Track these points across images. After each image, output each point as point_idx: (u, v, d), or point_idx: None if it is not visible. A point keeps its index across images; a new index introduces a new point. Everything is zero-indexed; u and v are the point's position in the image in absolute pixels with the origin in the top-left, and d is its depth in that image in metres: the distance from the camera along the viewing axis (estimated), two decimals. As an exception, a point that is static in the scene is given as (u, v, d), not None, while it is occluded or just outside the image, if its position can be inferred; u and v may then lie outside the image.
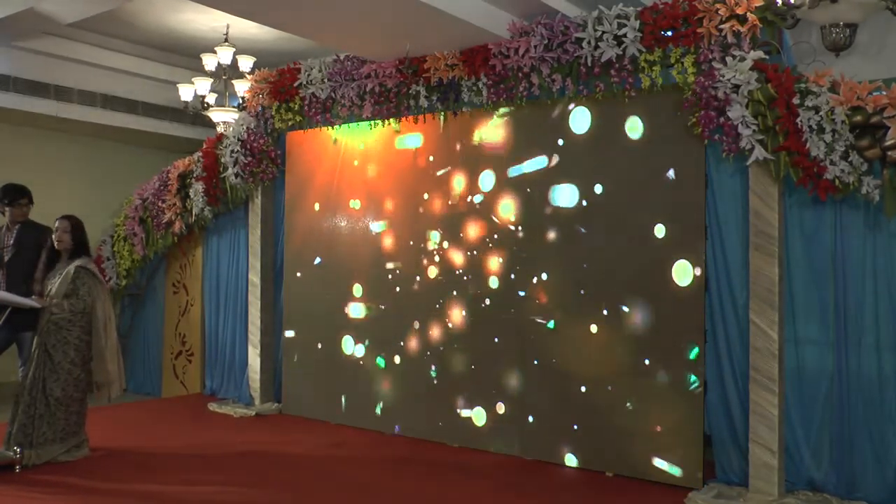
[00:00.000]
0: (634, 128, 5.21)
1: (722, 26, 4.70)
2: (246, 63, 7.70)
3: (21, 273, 6.07)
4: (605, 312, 5.30)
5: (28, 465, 5.18)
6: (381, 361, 6.49)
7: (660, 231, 5.10)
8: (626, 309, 5.22)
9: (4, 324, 5.32)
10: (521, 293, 5.70)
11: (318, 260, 6.97)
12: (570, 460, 5.44)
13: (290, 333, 7.12)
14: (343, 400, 6.72)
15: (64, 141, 9.23)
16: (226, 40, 7.60)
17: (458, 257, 6.06)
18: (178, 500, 4.69)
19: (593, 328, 5.36)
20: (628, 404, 5.19)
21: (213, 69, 7.73)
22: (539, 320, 5.61)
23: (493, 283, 5.86)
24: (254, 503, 4.67)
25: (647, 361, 5.13)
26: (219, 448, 5.88)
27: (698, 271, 4.95)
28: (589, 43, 5.15)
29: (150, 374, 8.47)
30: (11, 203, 6.23)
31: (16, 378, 5.76)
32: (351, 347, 6.68)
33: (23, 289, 5.74)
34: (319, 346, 6.90)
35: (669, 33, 4.89)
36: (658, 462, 5.07)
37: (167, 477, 5.12)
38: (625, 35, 5.00)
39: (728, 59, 4.65)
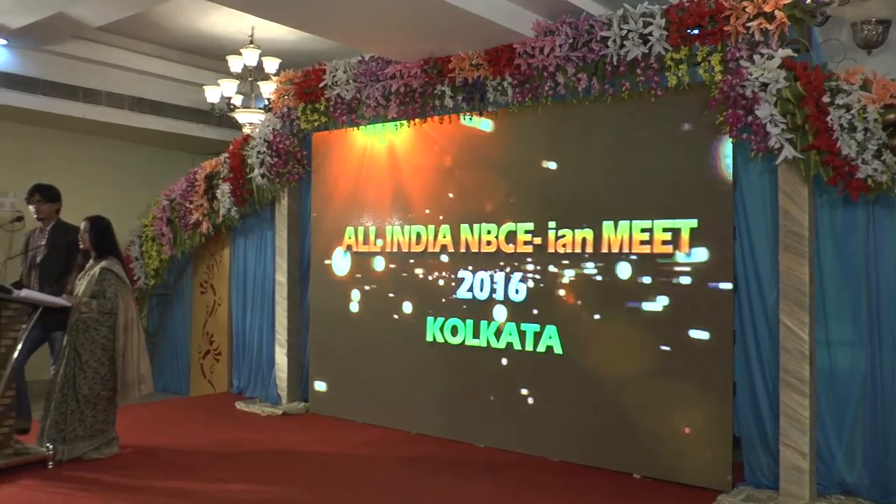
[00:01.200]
0: (663, 126, 5.20)
1: (749, 24, 4.67)
2: (271, 65, 7.78)
3: (52, 273, 6.20)
4: (632, 311, 5.29)
5: (60, 460, 5.29)
6: (407, 360, 6.52)
7: (682, 230, 5.09)
8: (654, 308, 5.20)
9: (37, 323, 5.41)
10: (548, 290, 5.71)
11: (345, 259, 7.03)
12: (598, 461, 5.43)
13: (315, 344, 7.16)
14: (370, 399, 6.76)
15: (92, 143, 9.39)
16: (251, 42, 7.69)
17: (484, 257, 6.08)
18: (206, 497, 4.75)
19: (620, 327, 5.34)
20: (656, 405, 5.17)
21: (239, 71, 7.82)
22: (566, 317, 5.61)
23: (516, 282, 5.86)
24: (281, 501, 4.71)
25: (674, 361, 5.10)
26: (246, 446, 5.94)
27: (726, 271, 4.93)
28: (614, 42, 5.14)
29: (178, 373, 8.58)
30: (27, 201, 6.40)
31: (48, 376, 5.86)
32: (378, 347, 6.72)
33: (54, 288, 5.86)
34: (347, 345, 6.94)
35: (696, 31, 4.86)
36: (686, 464, 5.05)
37: (195, 475, 5.19)
38: (650, 33, 4.98)
39: (756, 57, 4.62)
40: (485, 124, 6.09)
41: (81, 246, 5.73)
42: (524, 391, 5.81)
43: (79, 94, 8.42)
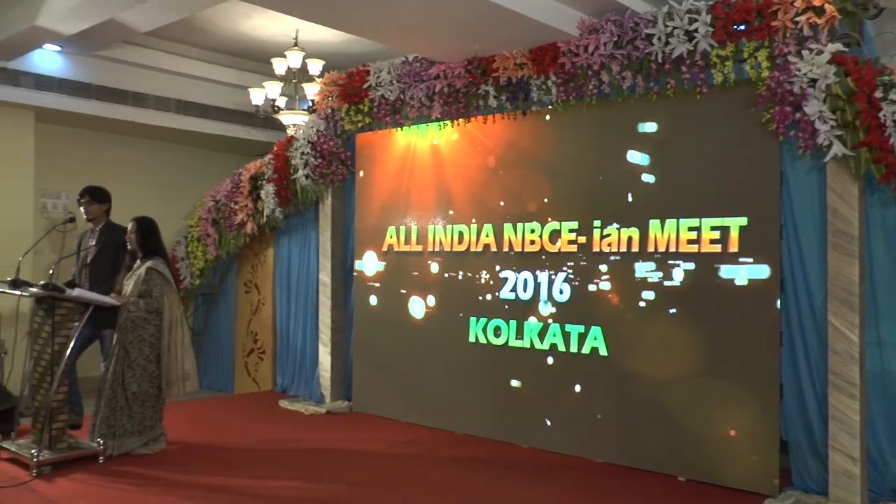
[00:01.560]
0: (711, 124, 5.15)
1: (798, 19, 4.59)
2: (315, 66, 7.85)
3: (102, 273, 6.35)
4: (677, 312, 5.24)
5: (111, 455, 5.42)
6: (450, 360, 6.54)
7: (728, 228, 5.03)
8: (699, 308, 5.15)
9: (88, 321, 5.53)
10: (591, 290, 5.68)
11: (386, 261, 7.08)
12: (642, 463, 5.39)
13: (359, 343, 7.22)
14: (414, 398, 6.79)
15: (141, 145, 9.58)
16: (295, 44, 7.77)
17: (527, 258, 6.07)
18: (250, 494, 4.81)
19: (665, 328, 5.30)
20: (701, 407, 5.12)
21: (284, 73, 7.91)
22: (609, 317, 5.58)
23: (560, 281, 5.85)
24: (324, 499, 4.75)
25: (719, 363, 5.04)
26: (290, 444, 6.01)
27: (772, 271, 4.85)
28: (659, 39, 5.10)
29: (223, 371, 8.72)
30: (77, 202, 6.60)
31: (98, 372, 6.00)
32: (422, 346, 6.75)
33: (104, 287, 5.99)
34: (390, 344, 6.99)
35: (742, 27, 4.80)
36: (732, 467, 4.98)
37: (240, 471, 5.27)
38: (696, 30, 4.94)
39: (804, 52, 4.55)
40: (529, 123, 6.08)
41: (129, 246, 5.86)
42: (568, 392, 5.79)
43: (128, 97, 8.61)
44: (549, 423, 5.89)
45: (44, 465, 5.08)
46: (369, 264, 7.22)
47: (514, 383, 6.10)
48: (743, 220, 4.96)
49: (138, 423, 5.59)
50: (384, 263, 7.10)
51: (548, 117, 5.95)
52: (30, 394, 5.53)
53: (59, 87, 8.05)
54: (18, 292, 5.46)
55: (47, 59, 7.94)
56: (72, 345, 5.42)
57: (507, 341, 6.16)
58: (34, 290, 5.38)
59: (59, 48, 7.87)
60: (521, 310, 6.08)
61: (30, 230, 8.05)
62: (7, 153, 8.01)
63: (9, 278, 5.61)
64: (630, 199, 5.50)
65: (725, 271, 5.04)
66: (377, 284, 7.14)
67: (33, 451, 5.11)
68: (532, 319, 6.00)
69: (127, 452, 5.51)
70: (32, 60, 7.81)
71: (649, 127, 5.41)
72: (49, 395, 5.24)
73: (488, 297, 6.29)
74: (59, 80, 8.04)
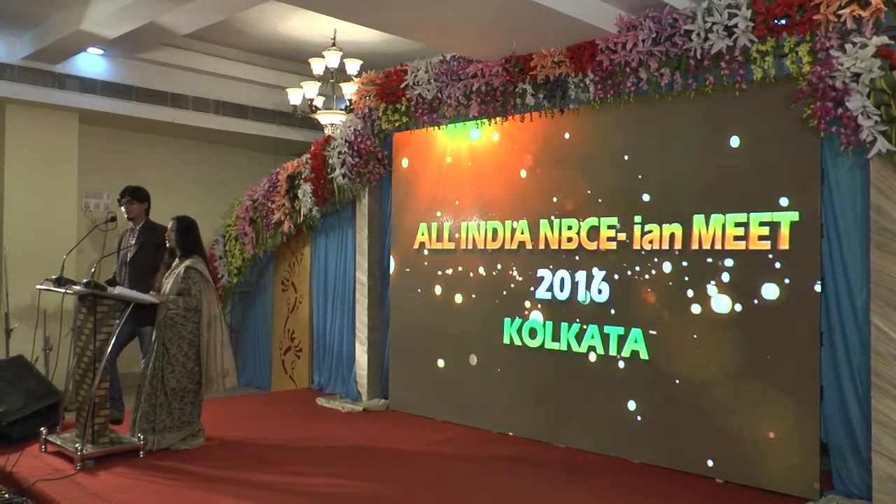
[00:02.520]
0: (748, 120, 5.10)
1: (841, 12, 4.52)
2: (353, 66, 7.92)
3: (142, 271, 6.49)
4: (714, 311, 5.21)
5: (151, 450, 5.53)
6: (486, 359, 6.56)
7: (765, 229, 4.98)
8: (737, 308, 5.10)
9: (128, 319, 5.64)
10: (629, 291, 5.66)
11: (423, 259, 7.12)
12: (680, 465, 5.36)
13: (395, 342, 7.28)
14: (450, 397, 6.83)
15: (180, 145, 9.77)
16: (333, 44, 7.84)
17: (564, 256, 6.07)
18: (287, 490, 4.88)
19: (701, 327, 5.26)
20: (739, 408, 5.08)
21: (321, 73, 7.99)
22: (648, 317, 5.56)
23: (599, 280, 5.83)
24: (360, 496, 4.80)
25: (758, 364, 5.00)
26: (327, 441, 6.07)
27: (812, 272, 4.80)
28: (698, 35, 5.07)
29: (261, 368, 8.85)
30: (118, 202, 6.77)
31: (138, 369, 6.12)
32: (459, 345, 6.79)
33: (143, 285, 6.12)
34: (426, 343, 7.03)
35: (783, 21, 4.75)
36: (771, 470, 4.93)
37: (277, 468, 5.34)
38: (735, 25, 4.90)
39: (847, 46, 4.47)
40: (568, 121, 6.08)
41: (168, 245, 5.98)
42: (605, 393, 5.77)
43: (168, 99, 8.79)
44: (585, 422, 5.89)
45: (87, 458, 5.21)
46: (404, 262, 7.27)
47: (551, 383, 6.11)
48: (790, 217, 4.90)
49: (177, 418, 5.70)
50: (418, 261, 7.14)
51: (585, 115, 5.94)
52: (73, 389, 5.68)
53: (102, 90, 8.25)
54: (62, 290, 5.60)
55: (91, 63, 8.15)
56: (113, 341, 5.54)
57: (542, 343, 6.16)
58: (77, 287, 5.51)
59: (102, 51, 8.07)
60: (557, 310, 6.08)
61: (73, 229, 8.27)
62: (52, 155, 8.24)
63: (53, 276, 5.75)
64: (671, 195, 5.47)
65: (765, 270, 4.99)
66: (412, 283, 7.19)
67: (77, 445, 5.24)
68: (569, 320, 6.00)
69: (166, 447, 5.63)
70: (77, 64, 8.02)
71: (688, 123, 5.38)
72: (91, 390, 5.37)
73: (524, 296, 6.30)
74: (101, 83, 8.25)
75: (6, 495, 4.72)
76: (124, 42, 7.37)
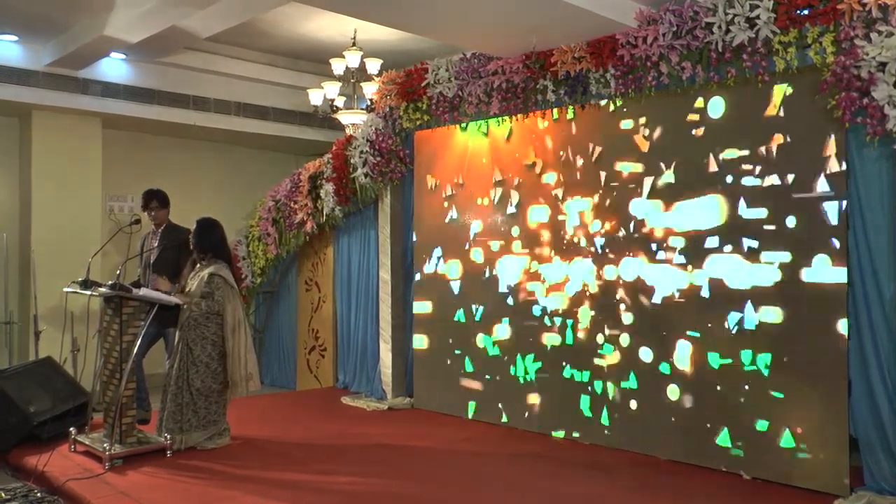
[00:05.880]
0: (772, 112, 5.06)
1: (866, 0, 4.49)
2: (373, 65, 7.94)
3: (165, 272, 6.54)
4: (737, 307, 5.17)
5: (178, 449, 5.60)
6: (512, 357, 6.57)
7: (791, 222, 4.94)
8: (761, 303, 5.07)
9: (152, 320, 5.71)
10: (653, 291, 5.65)
11: (447, 257, 7.14)
12: (706, 461, 5.33)
13: (419, 340, 7.31)
14: (474, 395, 6.84)
15: (202, 148, 9.88)
16: (353, 44, 7.88)
17: (589, 253, 6.07)
18: (313, 488, 4.92)
19: (727, 324, 5.24)
20: (766, 403, 5.04)
21: (342, 73, 8.03)
22: (674, 313, 5.54)
23: (627, 276, 5.82)
24: (385, 494, 4.83)
25: (785, 359, 4.97)
26: (352, 440, 6.11)
27: (839, 264, 4.76)
28: (719, 27, 5.04)
29: (285, 368, 8.93)
30: (143, 208, 6.83)
31: (163, 369, 6.20)
32: (482, 343, 6.80)
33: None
34: (450, 341, 7.06)
35: (806, 12, 4.70)
36: (799, 465, 4.89)
37: (303, 466, 5.38)
38: (757, 17, 4.85)
39: (873, 35, 4.41)
40: (588, 116, 6.08)
41: (192, 248, 6.04)
42: (630, 389, 5.77)
43: (189, 102, 8.88)
44: (611, 419, 5.88)
45: (115, 458, 5.29)
46: (428, 260, 7.29)
47: (575, 380, 6.11)
48: (802, 212, 4.88)
49: (203, 417, 5.76)
50: (444, 261, 7.17)
51: (611, 108, 5.94)
52: (100, 390, 5.76)
53: (125, 94, 8.36)
54: (89, 292, 5.69)
55: (114, 68, 8.27)
56: (138, 343, 5.61)
57: (563, 340, 6.16)
58: (103, 289, 5.59)
59: (124, 56, 8.18)
60: (584, 304, 6.08)
61: (98, 232, 8.40)
62: (77, 159, 8.37)
63: (79, 279, 5.84)
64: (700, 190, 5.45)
65: (791, 264, 4.96)
66: (436, 281, 7.21)
67: (105, 445, 5.32)
68: (598, 314, 6.00)
69: (193, 446, 5.69)
70: (100, 69, 8.14)
71: (711, 116, 5.35)
72: (118, 391, 5.45)
73: (546, 292, 6.31)
74: (124, 87, 8.36)
75: (38, 494, 4.82)
76: (146, 46, 7.46)
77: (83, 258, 6.55)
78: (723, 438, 5.25)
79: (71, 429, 5.72)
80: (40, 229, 8.11)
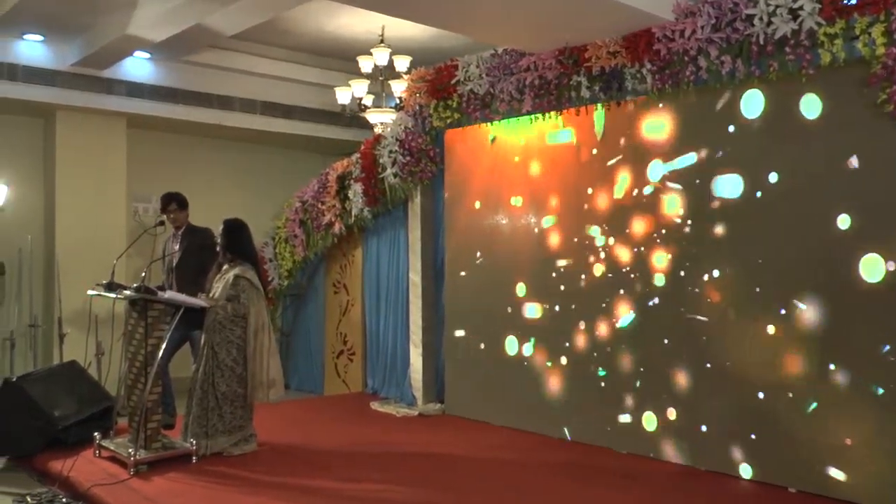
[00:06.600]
0: (813, 108, 5.02)
1: (919, -12, 4.43)
2: (402, 63, 7.99)
3: (188, 275, 6.67)
4: (782, 312, 5.11)
5: (203, 455, 5.68)
6: (545, 362, 6.58)
7: (843, 222, 4.89)
8: (806, 308, 5.01)
9: (178, 323, 5.79)
10: (691, 291, 5.62)
11: (478, 258, 7.16)
12: (747, 472, 5.28)
13: (459, 333, 7.33)
14: (507, 401, 6.85)
15: (227, 148, 9.99)
16: (381, 41, 7.93)
17: (624, 254, 6.05)
18: (341, 496, 4.95)
19: (770, 329, 5.18)
20: (812, 413, 4.98)
21: (370, 71, 8.09)
22: (711, 320, 5.51)
23: (661, 280, 5.80)
24: (415, 502, 4.86)
25: (831, 366, 4.91)
26: (381, 447, 6.15)
27: (892, 266, 4.69)
28: (761, 19, 5.00)
29: (313, 372, 9.00)
30: (162, 211, 6.95)
31: (188, 373, 6.28)
32: (515, 347, 6.81)
33: (191, 289, 6.26)
34: (482, 346, 7.07)
35: (853, 2, 4.63)
36: (848, 479, 4.81)
37: (331, 473, 5.42)
38: (801, 7, 4.80)
39: (927, 25, 4.38)
40: (625, 113, 6.07)
41: (218, 249, 6.13)
42: (670, 396, 5.74)
43: (214, 101, 9.00)
44: (648, 428, 5.86)
45: (140, 463, 5.37)
46: (459, 262, 7.32)
47: (610, 387, 6.10)
48: (854, 212, 4.82)
49: (229, 422, 5.84)
50: (473, 261, 7.19)
51: (642, 107, 5.92)
52: (125, 394, 5.86)
53: (149, 94, 8.50)
54: (113, 295, 5.79)
55: (138, 67, 8.42)
56: (164, 346, 5.70)
57: (601, 344, 6.16)
58: (128, 292, 5.69)
59: (148, 55, 8.31)
60: (621, 307, 6.07)
61: (122, 234, 8.54)
62: (101, 160, 8.52)
63: (104, 281, 5.95)
64: (726, 194, 5.41)
65: (838, 265, 4.91)
66: (467, 283, 7.24)
67: (130, 450, 5.40)
68: (634, 318, 5.98)
69: (218, 452, 5.77)
70: (124, 68, 8.29)
71: (752, 113, 5.32)
72: (143, 395, 5.54)
73: (586, 295, 6.31)
74: (149, 87, 8.50)
75: (63, 500, 4.93)
76: (170, 45, 7.58)
77: (108, 260, 6.65)
78: (765, 449, 5.18)
79: (95, 433, 5.82)
80: (64, 231, 8.26)
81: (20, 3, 6.80)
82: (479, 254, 7.15)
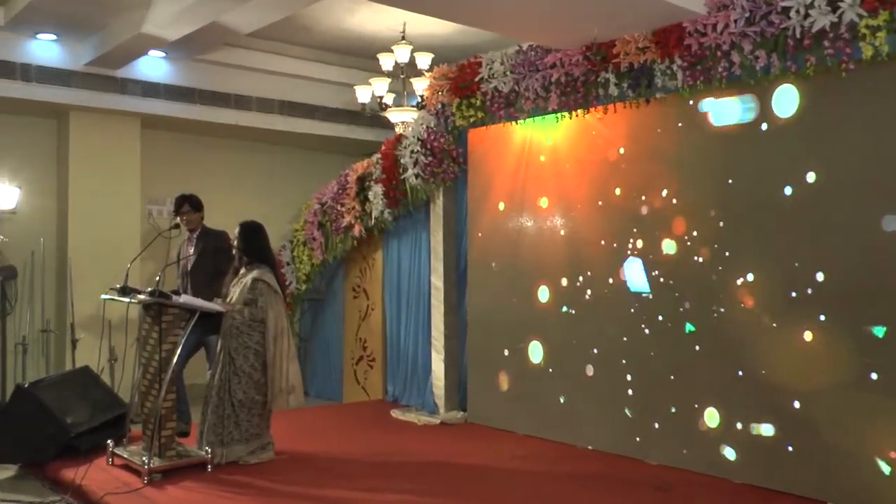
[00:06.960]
0: (852, 105, 4.89)
1: (969, -24, 4.31)
2: (424, 60, 7.94)
3: (203, 279, 6.65)
4: (821, 318, 5.00)
5: (219, 463, 5.63)
6: (571, 369, 6.49)
7: (891, 223, 4.76)
8: (848, 314, 4.90)
9: (193, 328, 5.76)
10: (725, 296, 5.51)
11: (503, 262, 7.08)
12: (784, 485, 5.16)
13: (482, 339, 7.25)
14: (532, 410, 6.77)
15: (244, 148, 9.98)
16: (403, 38, 7.89)
17: (653, 258, 5.94)
18: (360, 506, 4.92)
19: (808, 335, 5.06)
20: (855, 423, 4.85)
21: (391, 69, 8.05)
22: (746, 326, 5.39)
23: (692, 285, 5.69)
24: (436, 514, 4.82)
25: (874, 375, 4.78)
26: (402, 456, 6.09)
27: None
28: (797, 12, 4.88)
29: (332, 379, 8.96)
30: (175, 213, 6.93)
31: (204, 380, 6.26)
32: (539, 354, 6.73)
33: (207, 293, 6.22)
34: (506, 352, 7.00)
35: (898, -8, 4.55)
36: (891, 494, 4.67)
37: (350, 483, 5.37)
38: (841, -1, 4.72)
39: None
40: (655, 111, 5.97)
41: (235, 252, 6.09)
42: (702, 405, 5.62)
43: (231, 100, 9.00)
44: (679, 438, 5.75)
45: (154, 472, 5.33)
46: (482, 266, 7.24)
47: (641, 396, 6.00)
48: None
49: (245, 430, 5.78)
50: (497, 264, 7.11)
51: (672, 105, 5.82)
52: (139, 401, 5.83)
53: (165, 93, 8.51)
54: (127, 299, 5.76)
55: (152, 66, 8.42)
56: (178, 352, 5.66)
57: (630, 351, 6.06)
58: (142, 296, 5.66)
59: (163, 54, 8.31)
60: (650, 313, 5.97)
61: (136, 237, 8.53)
62: (116, 161, 8.53)
63: (118, 285, 5.91)
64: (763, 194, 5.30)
65: (880, 268, 4.78)
66: (490, 288, 7.16)
67: (144, 459, 5.37)
68: (663, 324, 5.88)
69: (234, 461, 5.71)
70: (138, 68, 8.30)
71: (787, 111, 5.21)
72: (157, 402, 5.50)
73: (613, 300, 6.21)
74: (164, 87, 8.51)
75: (75, 509, 4.90)
76: (186, 44, 7.57)
77: (121, 264, 6.64)
78: (805, 462, 5.05)
79: (109, 441, 5.79)
80: (77, 234, 8.27)
81: (33, 2, 6.81)
82: (503, 257, 7.07)
